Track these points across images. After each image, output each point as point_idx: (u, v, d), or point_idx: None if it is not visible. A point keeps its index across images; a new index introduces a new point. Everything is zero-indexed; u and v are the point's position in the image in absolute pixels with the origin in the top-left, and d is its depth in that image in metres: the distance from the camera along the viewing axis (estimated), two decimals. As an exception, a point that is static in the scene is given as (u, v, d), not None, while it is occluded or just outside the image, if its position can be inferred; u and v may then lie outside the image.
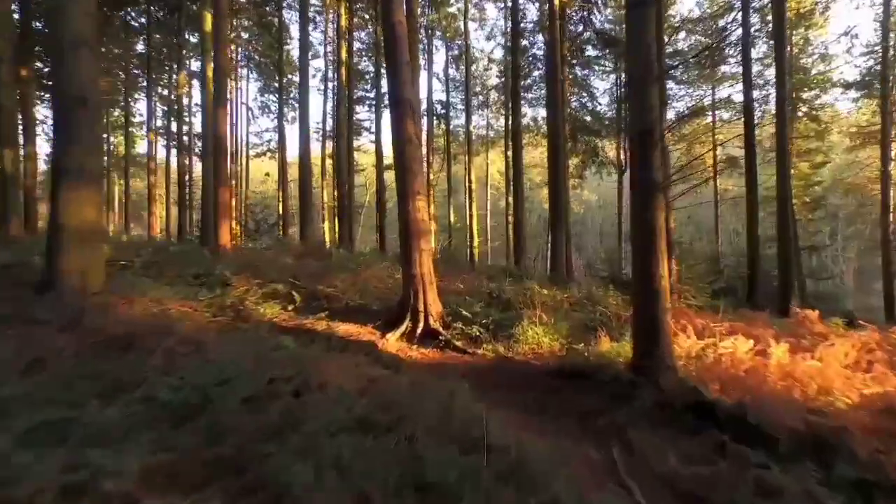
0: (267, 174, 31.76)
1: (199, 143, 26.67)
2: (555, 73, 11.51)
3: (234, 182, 26.28)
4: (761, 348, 4.90)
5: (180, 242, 15.74)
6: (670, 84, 22.18)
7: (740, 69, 20.95)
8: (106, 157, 31.96)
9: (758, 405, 3.82)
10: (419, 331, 5.35)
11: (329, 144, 22.26)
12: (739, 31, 15.87)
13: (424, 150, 24.56)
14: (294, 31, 24.35)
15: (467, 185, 24.29)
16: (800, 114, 19.26)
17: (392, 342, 5.19)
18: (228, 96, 27.16)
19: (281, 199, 20.42)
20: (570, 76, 17.91)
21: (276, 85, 23.65)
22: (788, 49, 18.71)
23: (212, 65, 10.15)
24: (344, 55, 15.34)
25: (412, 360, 4.85)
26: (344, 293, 6.42)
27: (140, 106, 26.57)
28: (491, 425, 3.27)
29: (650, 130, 4.20)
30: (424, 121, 25.14)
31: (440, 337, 5.25)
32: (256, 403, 3.04)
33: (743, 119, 14.49)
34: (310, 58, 25.19)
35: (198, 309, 4.87)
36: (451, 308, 5.82)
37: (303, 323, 5.18)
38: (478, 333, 5.27)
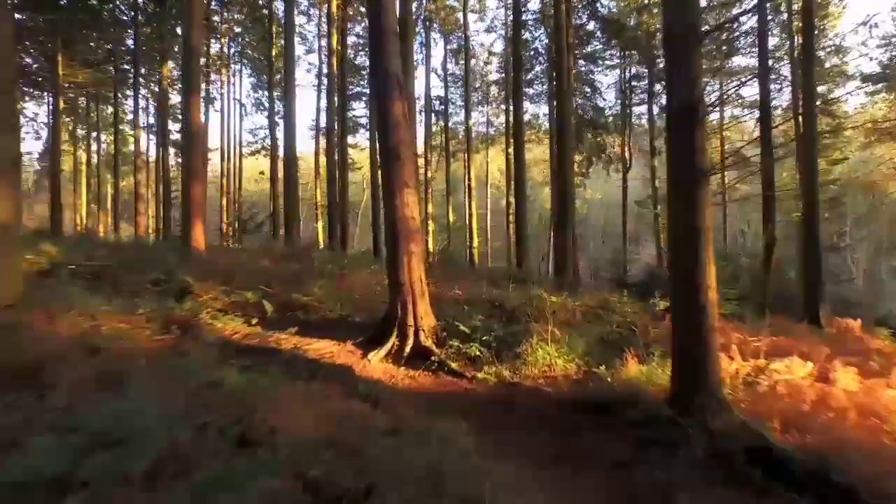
0: (261, 172, 30.94)
1: (191, 141, 25.82)
2: (561, 62, 10.65)
3: (225, 181, 25.46)
4: (821, 372, 4.05)
5: (165, 242, 14.86)
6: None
7: (749, 62, 20.23)
8: (96, 156, 31.17)
9: (839, 454, 2.97)
10: (408, 349, 4.49)
11: (323, 142, 21.39)
12: (754, 20, 15.08)
13: (421, 147, 23.72)
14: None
15: (467, 183, 23.42)
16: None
17: (375, 363, 4.32)
18: (221, 91, 26.50)
19: (272, 197, 19.52)
20: (574, 70, 17.08)
21: (275, 80, 22.74)
22: (801, 40, 17.90)
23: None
24: (336, 44, 14.47)
25: (397, 388, 3.99)
26: (322, 302, 5.56)
27: (133, 103, 25.62)
28: (495, 491, 2.41)
29: (693, 105, 3.34)
30: (423, 117, 24.30)
31: (432, 357, 4.39)
32: (164, 472, 2.17)
33: (759, 114, 13.66)
34: (304, 52, 24.48)
35: (138, 325, 4.01)
36: (446, 321, 4.95)
37: (267, 340, 4.32)
38: (478, 353, 4.40)
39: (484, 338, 4.59)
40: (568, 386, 4.12)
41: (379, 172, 15.80)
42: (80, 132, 30.62)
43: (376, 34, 4.80)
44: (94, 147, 31.02)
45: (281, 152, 21.61)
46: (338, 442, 2.74)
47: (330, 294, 5.79)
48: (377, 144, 5.03)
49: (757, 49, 14.35)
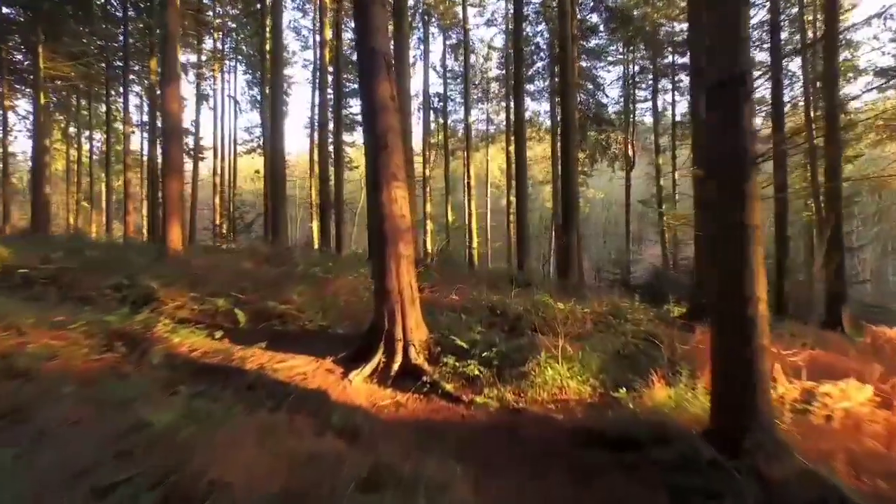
0: (257, 171, 30.34)
1: (190, 140, 25.35)
2: (565, 51, 10.04)
3: (218, 179, 24.86)
4: (883, 397, 3.44)
5: (149, 242, 14.26)
6: (681, 76, 20.87)
7: (757, 57, 19.60)
8: (88, 154, 30.57)
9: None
10: (395, 367, 3.88)
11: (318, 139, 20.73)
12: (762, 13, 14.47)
13: (420, 145, 23.10)
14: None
15: (466, 182, 22.80)
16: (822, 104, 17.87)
17: (356, 385, 3.71)
18: (214, 87, 25.89)
19: (265, 196, 18.88)
20: (577, 64, 16.49)
21: (267, 77, 22.09)
22: (811, 35, 17.35)
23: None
24: (328, 36, 13.84)
25: (382, 416, 3.37)
26: (302, 311, 4.94)
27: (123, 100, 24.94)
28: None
29: (740, 76, 2.73)
30: (421, 114, 23.66)
31: (424, 377, 3.77)
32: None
33: (771, 112, 13.06)
34: (301, 48, 23.84)
35: (76, 341, 3.39)
36: (440, 333, 4.34)
37: (231, 358, 3.71)
38: (476, 373, 3.79)
39: (484, 354, 3.97)
40: (582, 412, 3.51)
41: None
42: (73, 130, 30.03)
43: (361, 7, 4.19)
44: (86, 146, 30.42)
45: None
46: (298, 499, 2.14)
47: (311, 301, 5.17)
48: (363, 131, 4.43)
49: (769, 44, 13.79)
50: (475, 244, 22.22)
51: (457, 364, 3.89)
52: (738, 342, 2.76)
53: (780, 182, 11.46)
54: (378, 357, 3.93)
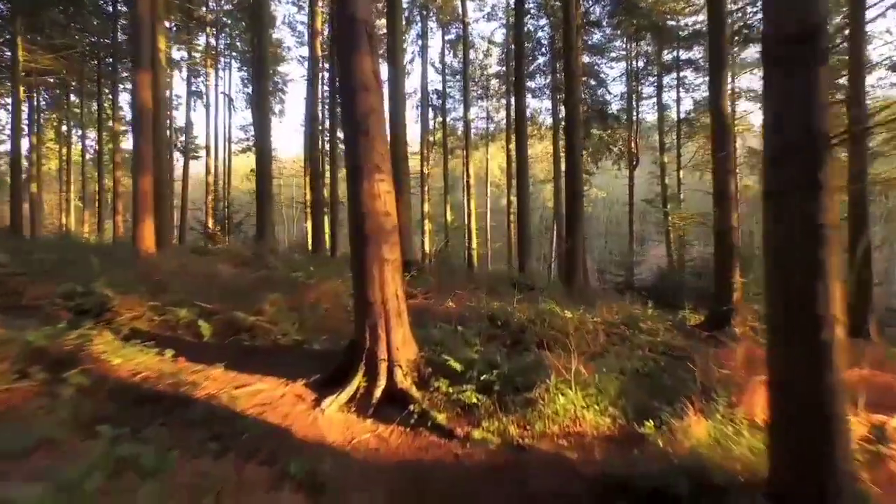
0: (252, 171, 29.70)
1: (182, 138, 24.81)
2: (570, 41, 9.44)
3: (211, 178, 24.28)
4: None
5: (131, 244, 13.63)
6: (685, 73, 20.29)
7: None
8: (80, 153, 29.98)
9: None
10: (378, 393, 3.27)
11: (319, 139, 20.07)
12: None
13: (418, 143, 22.49)
14: (276, 12, 22.20)
15: (465, 181, 22.20)
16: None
17: (330, 414, 3.10)
18: (206, 83, 25.26)
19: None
20: (580, 59, 15.91)
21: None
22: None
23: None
24: (320, 25, 13.24)
25: (357, 456, 2.76)
26: (275, 323, 4.33)
27: (121, 99, 24.26)
28: None
29: (812, 32, 2.13)
30: (419, 112, 23.09)
31: (411, 406, 3.16)
32: None
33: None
34: (296, 44, 23.21)
35: (-16, 365, 2.78)
36: (432, 350, 3.73)
37: (182, 383, 3.10)
38: (474, 400, 3.18)
39: (483, 376, 3.36)
40: (601, 451, 2.89)
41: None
42: (65, 128, 29.44)
43: (340, -31, 3.59)
44: (79, 144, 29.81)
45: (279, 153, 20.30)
46: None
47: (286, 311, 4.56)
48: (342, 114, 3.82)
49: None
50: (475, 245, 21.63)
51: (451, 389, 3.28)
52: (808, 374, 2.14)
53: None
54: (357, 380, 3.31)
